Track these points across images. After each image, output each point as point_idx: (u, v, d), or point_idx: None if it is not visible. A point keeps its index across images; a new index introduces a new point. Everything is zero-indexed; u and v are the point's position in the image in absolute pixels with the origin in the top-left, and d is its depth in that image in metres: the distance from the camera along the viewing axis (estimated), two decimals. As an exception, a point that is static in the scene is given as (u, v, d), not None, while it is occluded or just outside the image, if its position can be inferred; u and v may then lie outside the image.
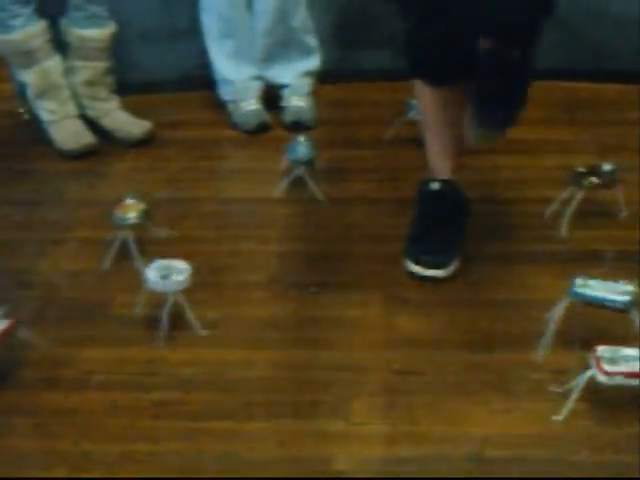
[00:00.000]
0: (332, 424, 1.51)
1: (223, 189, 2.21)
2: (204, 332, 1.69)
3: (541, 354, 1.64)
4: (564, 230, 1.97)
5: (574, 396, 1.52)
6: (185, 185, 2.22)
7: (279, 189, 2.13)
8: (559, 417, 1.52)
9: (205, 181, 2.23)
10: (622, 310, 1.60)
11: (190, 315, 1.68)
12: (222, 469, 1.43)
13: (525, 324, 1.70)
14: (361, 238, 2.00)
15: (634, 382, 1.50)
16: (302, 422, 1.51)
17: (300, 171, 2.12)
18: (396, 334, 1.71)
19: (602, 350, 1.53)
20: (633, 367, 1.50)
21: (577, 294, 1.61)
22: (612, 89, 2.65)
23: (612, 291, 1.61)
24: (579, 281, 1.63)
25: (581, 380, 1.52)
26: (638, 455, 1.43)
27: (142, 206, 1.89)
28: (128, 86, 2.57)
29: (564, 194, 2.02)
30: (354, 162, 2.29)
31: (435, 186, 1.95)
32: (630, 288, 1.61)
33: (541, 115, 2.53)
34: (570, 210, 1.99)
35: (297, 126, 2.46)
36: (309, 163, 2.13)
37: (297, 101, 2.54)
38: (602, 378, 1.50)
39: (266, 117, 2.47)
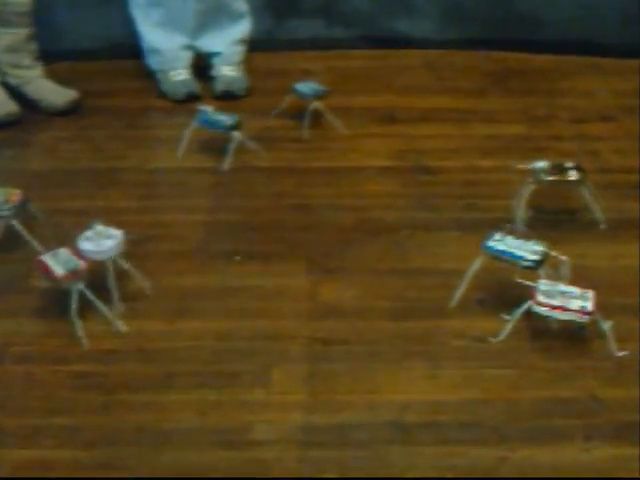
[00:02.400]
0: (252, 393, 1.50)
1: (149, 159, 2.17)
2: (126, 303, 1.67)
3: (452, 305, 1.68)
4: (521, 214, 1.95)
5: (511, 324, 1.59)
6: (110, 155, 2.18)
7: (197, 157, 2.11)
8: (496, 338, 1.59)
9: (131, 150, 2.19)
10: (530, 268, 1.63)
11: (112, 286, 1.66)
12: (140, 440, 1.42)
13: (449, 292, 1.71)
14: (288, 207, 1.98)
15: (561, 315, 1.57)
16: (222, 392, 1.50)
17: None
18: (320, 303, 1.70)
19: (542, 283, 1.60)
20: (562, 301, 1.56)
21: (491, 248, 1.65)
22: (542, 59, 2.67)
23: (523, 249, 1.64)
24: (496, 236, 1.66)
25: (519, 310, 1.58)
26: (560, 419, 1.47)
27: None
28: (56, 54, 2.51)
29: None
30: (283, 131, 2.27)
31: None
32: (540, 248, 1.65)
33: (472, 85, 2.55)
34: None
35: (228, 95, 2.43)
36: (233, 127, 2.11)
37: (228, 70, 2.50)
38: (534, 307, 1.57)
39: (195, 87, 2.43)
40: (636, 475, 1.38)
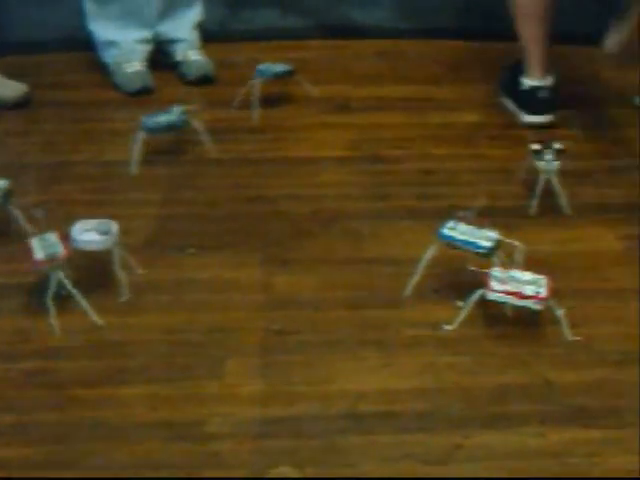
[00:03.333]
0: (206, 386, 1.48)
1: (102, 152, 2.14)
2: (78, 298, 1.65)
3: (406, 294, 1.67)
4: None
5: (465, 311, 1.59)
6: (62, 148, 2.15)
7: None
8: (451, 326, 1.59)
9: (83, 144, 2.16)
10: (484, 255, 1.63)
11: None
12: (92, 437, 1.40)
13: (403, 280, 1.70)
14: (243, 199, 1.97)
15: (515, 302, 1.58)
16: (176, 385, 1.48)
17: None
18: (274, 294, 1.69)
19: (495, 269, 1.60)
20: (517, 288, 1.56)
21: (444, 236, 1.65)
22: (497, 47, 2.67)
23: (477, 236, 1.64)
24: (450, 224, 1.66)
25: (473, 297, 1.58)
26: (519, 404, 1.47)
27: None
28: (7, 46, 2.48)
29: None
30: (239, 122, 2.25)
31: None
32: (493, 235, 1.65)
33: (426, 74, 2.56)
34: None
35: (205, 80, 2.42)
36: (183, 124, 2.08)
37: (196, 55, 2.50)
38: (488, 294, 1.57)
39: (149, 79, 2.41)
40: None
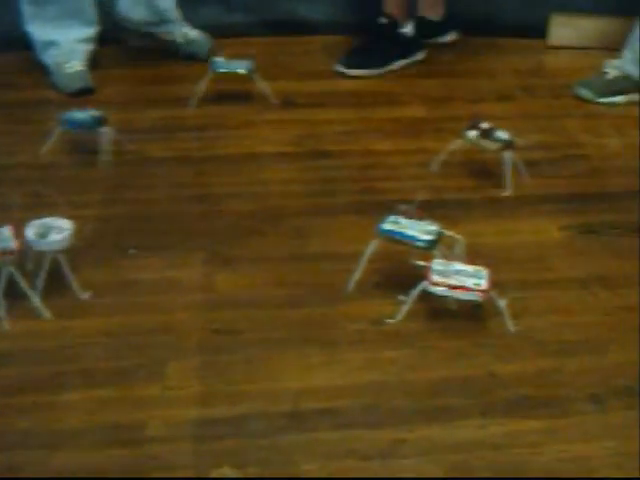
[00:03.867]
0: (146, 389, 1.46)
1: (40, 154, 2.10)
2: (16, 301, 1.61)
3: (349, 290, 1.67)
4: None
5: (407, 305, 1.59)
6: (0, 150, 2.11)
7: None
8: (393, 320, 1.59)
9: (21, 145, 2.11)
10: (424, 248, 1.63)
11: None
12: (29, 444, 1.37)
13: (346, 276, 1.69)
14: (185, 198, 1.95)
15: (456, 294, 1.58)
16: (115, 389, 1.46)
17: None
18: (216, 294, 1.67)
19: (436, 263, 1.60)
20: (458, 280, 1.57)
21: (385, 230, 1.64)
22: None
23: (417, 230, 1.64)
24: (390, 218, 1.66)
25: (415, 291, 1.58)
26: (459, 398, 1.47)
27: None
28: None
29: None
30: (178, 120, 2.23)
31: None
32: (434, 228, 1.65)
33: (372, 68, 2.55)
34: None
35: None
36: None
37: (194, 33, 2.55)
38: (429, 288, 1.57)
39: (89, 79, 2.37)
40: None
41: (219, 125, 2.21)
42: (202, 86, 2.26)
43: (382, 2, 2.55)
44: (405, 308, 1.61)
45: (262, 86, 2.29)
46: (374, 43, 2.54)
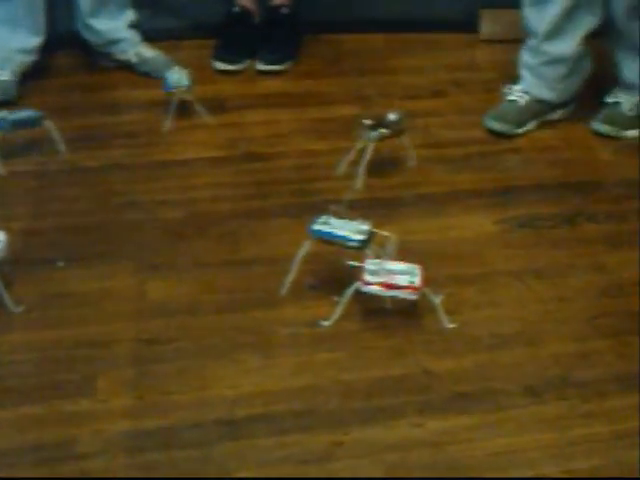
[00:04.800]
0: (76, 404, 1.43)
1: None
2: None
3: (283, 293, 1.65)
4: (360, 181, 1.97)
5: (342, 305, 1.58)
6: None
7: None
8: (328, 322, 1.58)
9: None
10: (356, 248, 1.61)
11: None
12: (-46, 466, 1.34)
13: (280, 279, 1.67)
14: (115, 206, 1.91)
15: (390, 293, 1.57)
16: (44, 406, 1.42)
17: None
18: (147, 303, 1.64)
19: (369, 262, 1.59)
20: (391, 279, 1.56)
21: (316, 231, 1.63)
22: (375, 38, 2.67)
23: (348, 229, 1.62)
24: (321, 219, 1.64)
25: (349, 291, 1.57)
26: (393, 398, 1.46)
27: None
28: None
29: (358, 145, 2.00)
30: (108, 128, 2.19)
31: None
32: (365, 227, 1.63)
33: (304, 69, 2.53)
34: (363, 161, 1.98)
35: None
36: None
37: (149, 51, 2.49)
38: (362, 287, 1.56)
39: (12, 91, 2.30)
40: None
41: (149, 132, 2.18)
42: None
43: None
44: (339, 309, 1.59)
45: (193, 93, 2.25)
46: (281, 35, 2.55)
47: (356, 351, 1.55)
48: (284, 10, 2.61)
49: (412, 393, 1.46)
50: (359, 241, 1.61)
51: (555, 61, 2.19)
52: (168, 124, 2.16)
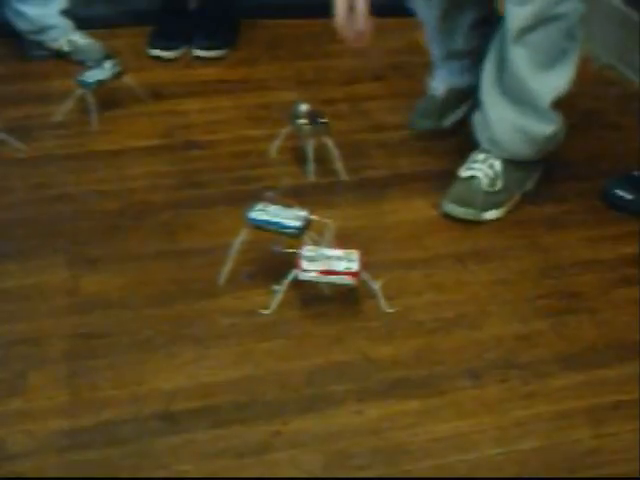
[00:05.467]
0: (6, 404, 1.38)
1: None
2: None
3: (221, 283, 1.62)
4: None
5: (280, 293, 1.56)
6: None
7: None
8: (267, 310, 1.56)
9: None
10: (294, 235, 1.59)
11: None
12: None
13: (218, 269, 1.64)
14: (46, 199, 1.86)
15: (328, 279, 1.55)
16: (-29, 407, 1.39)
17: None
18: (81, 297, 1.60)
19: (306, 249, 1.56)
20: (328, 265, 1.53)
21: (253, 219, 1.60)
22: (312, 23, 2.63)
23: (286, 217, 1.60)
24: (258, 206, 1.62)
25: (287, 279, 1.55)
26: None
27: None
28: None
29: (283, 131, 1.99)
30: (40, 119, 2.13)
31: None
32: (302, 214, 1.61)
33: (241, 55, 2.50)
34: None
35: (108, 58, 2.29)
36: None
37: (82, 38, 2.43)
38: (300, 275, 1.54)
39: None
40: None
41: (83, 122, 2.12)
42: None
43: None
44: (278, 297, 1.57)
45: (128, 81, 2.20)
46: (218, 21, 2.53)
47: (295, 340, 1.52)
48: None
49: (352, 380, 1.44)
50: (296, 228, 1.58)
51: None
52: (94, 119, 2.11)
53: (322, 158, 1.96)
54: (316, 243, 1.60)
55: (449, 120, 2.14)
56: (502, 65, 1.81)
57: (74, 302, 1.59)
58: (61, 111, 2.11)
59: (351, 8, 1.72)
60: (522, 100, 1.81)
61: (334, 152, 1.93)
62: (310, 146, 1.92)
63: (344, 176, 1.93)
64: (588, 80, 2.33)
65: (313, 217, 1.62)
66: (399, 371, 1.46)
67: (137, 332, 1.52)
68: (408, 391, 1.43)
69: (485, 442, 1.36)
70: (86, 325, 1.54)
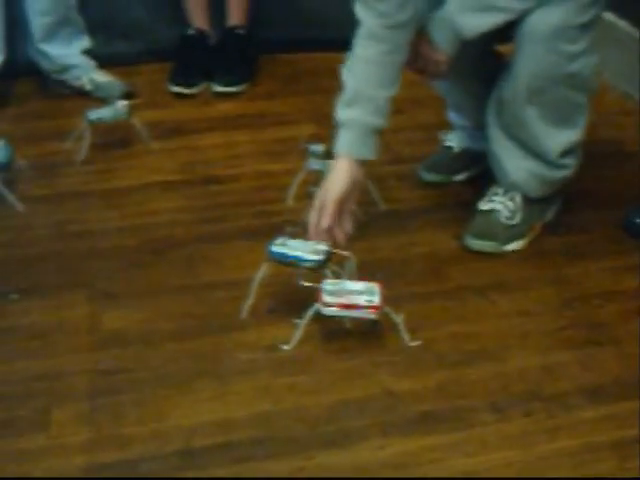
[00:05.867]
0: (29, 441, 1.38)
1: None
2: None
3: (243, 317, 1.62)
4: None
5: (302, 328, 1.55)
6: None
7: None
8: (288, 346, 1.55)
9: None
10: (314, 268, 1.59)
11: None
12: None
13: (239, 303, 1.64)
14: (68, 235, 1.87)
15: (350, 313, 1.54)
16: (-5, 444, 1.39)
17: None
18: (102, 333, 1.60)
19: (327, 283, 1.56)
20: (350, 299, 1.53)
21: (274, 253, 1.60)
22: (330, 57, 2.64)
23: (307, 250, 1.60)
24: (278, 240, 1.61)
25: (308, 313, 1.54)
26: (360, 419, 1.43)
27: None
28: None
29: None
30: (64, 155, 2.15)
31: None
32: (323, 247, 1.61)
33: (260, 90, 2.52)
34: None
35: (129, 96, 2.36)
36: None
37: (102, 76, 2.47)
38: (322, 310, 1.53)
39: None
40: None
41: (104, 158, 2.14)
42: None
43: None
44: (299, 332, 1.56)
45: (135, 122, 2.20)
46: (237, 56, 2.55)
47: (316, 375, 1.51)
48: (240, 31, 2.60)
49: (375, 415, 1.43)
50: (316, 261, 1.58)
51: None
52: (84, 151, 2.13)
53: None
54: (337, 276, 1.59)
55: (459, 177, 2.08)
56: (514, 120, 1.79)
57: (95, 338, 1.59)
58: (82, 147, 2.13)
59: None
60: (536, 153, 1.80)
61: (370, 184, 1.92)
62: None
63: (382, 205, 1.94)
64: (607, 109, 2.33)
65: (334, 250, 1.62)
66: (422, 405, 1.45)
67: (158, 368, 1.52)
68: (432, 425, 1.41)
69: (510, 476, 1.34)
70: (107, 361, 1.53)
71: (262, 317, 1.63)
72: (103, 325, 1.62)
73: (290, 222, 1.77)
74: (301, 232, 1.63)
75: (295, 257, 1.59)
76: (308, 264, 1.59)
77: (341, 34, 2.71)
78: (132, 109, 2.18)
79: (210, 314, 1.64)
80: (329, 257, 1.60)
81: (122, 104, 2.18)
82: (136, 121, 2.18)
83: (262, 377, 1.50)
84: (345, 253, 1.62)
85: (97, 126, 2.15)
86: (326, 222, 1.66)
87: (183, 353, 1.55)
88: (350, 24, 2.65)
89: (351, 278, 1.59)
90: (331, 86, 2.53)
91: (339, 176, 1.70)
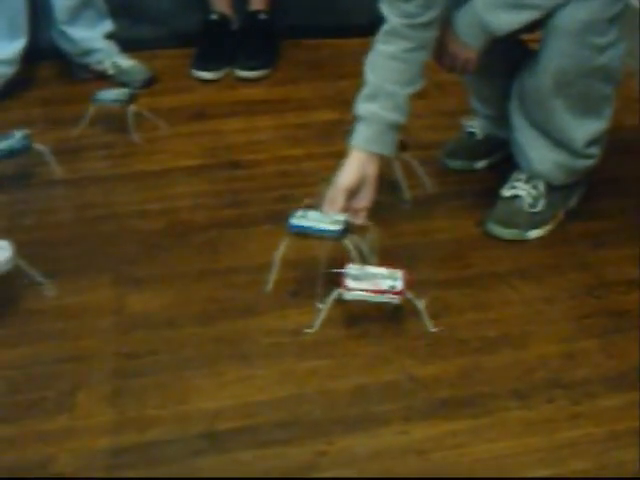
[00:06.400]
0: (53, 422, 1.39)
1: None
2: None
3: (265, 302, 1.63)
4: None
5: (324, 312, 1.55)
6: None
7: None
8: (311, 329, 1.55)
9: None
10: (336, 238, 1.59)
11: None
12: None
13: (262, 288, 1.65)
14: (92, 219, 1.88)
15: (372, 298, 1.54)
16: (20, 425, 1.39)
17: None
18: (127, 316, 1.61)
19: (350, 268, 1.56)
20: (373, 284, 1.53)
21: (294, 225, 1.60)
22: (353, 43, 2.64)
23: (327, 221, 1.60)
24: (299, 212, 1.62)
25: (331, 297, 1.54)
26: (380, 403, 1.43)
27: None
28: None
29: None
30: (86, 140, 2.16)
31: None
32: (342, 218, 1.61)
33: (283, 75, 2.52)
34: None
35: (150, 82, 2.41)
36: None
37: (126, 61, 2.48)
38: (344, 294, 1.53)
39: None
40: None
41: (127, 142, 2.15)
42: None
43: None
44: (322, 316, 1.57)
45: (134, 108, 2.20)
46: (260, 41, 2.54)
47: (339, 359, 1.52)
48: (262, 16, 2.59)
49: (397, 400, 1.44)
50: (337, 231, 1.58)
51: None
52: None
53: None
54: (358, 247, 1.60)
55: (481, 164, 2.07)
56: (539, 111, 1.78)
57: (119, 321, 1.60)
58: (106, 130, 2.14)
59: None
60: (562, 143, 1.79)
61: (418, 167, 1.93)
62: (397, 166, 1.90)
63: (430, 188, 1.95)
64: (632, 96, 2.31)
65: (352, 220, 1.62)
66: (444, 391, 1.45)
67: (181, 351, 1.53)
68: (454, 411, 1.41)
69: (532, 463, 1.34)
70: (130, 344, 1.55)
71: (285, 301, 1.64)
72: (127, 308, 1.63)
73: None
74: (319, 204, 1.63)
75: (315, 229, 1.59)
76: (330, 234, 1.59)
77: (364, 20, 2.72)
78: (135, 97, 2.19)
79: (233, 298, 1.65)
80: (348, 226, 1.61)
81: (123, 91, 2.19)
82: (132, 108, 2.16)
83: (285, 361, 1.51)
84: (366, 223, 1.62)
85: (118, 110, 2.15)
86: (335, 212, 1.67)
87: (206, 337, 1.56)
88: (373, 10, 2.67)
89: (372, 249, 1.59)
90: (354, 72, 2.53)
91: (349, 168, 1.70)
